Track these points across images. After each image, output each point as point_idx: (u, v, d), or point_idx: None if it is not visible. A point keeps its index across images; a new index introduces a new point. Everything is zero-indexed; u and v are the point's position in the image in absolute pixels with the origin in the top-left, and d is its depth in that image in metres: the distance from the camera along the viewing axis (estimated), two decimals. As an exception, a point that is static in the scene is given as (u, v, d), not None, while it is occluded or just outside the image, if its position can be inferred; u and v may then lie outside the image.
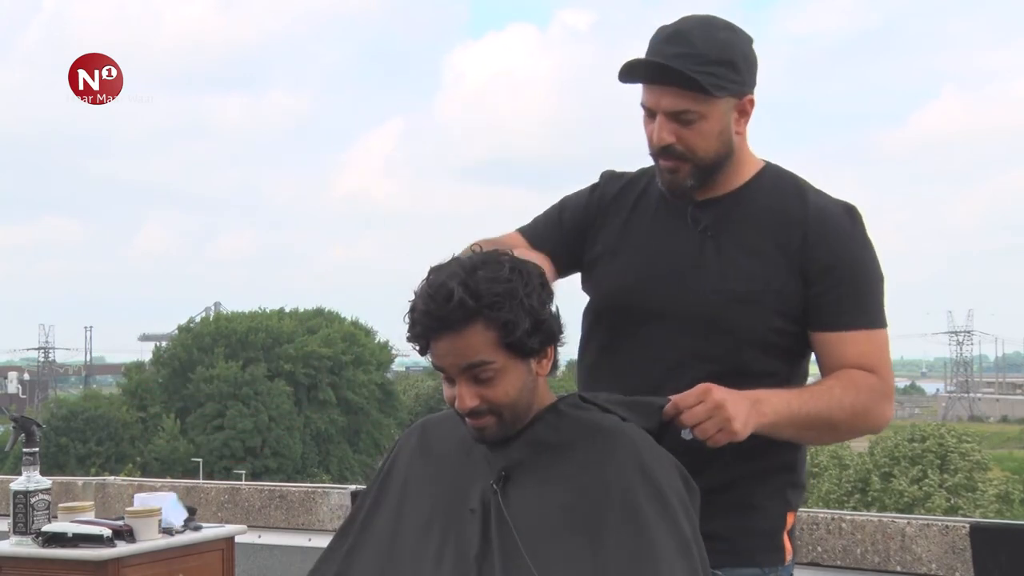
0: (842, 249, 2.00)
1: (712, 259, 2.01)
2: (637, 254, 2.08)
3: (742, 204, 2.05)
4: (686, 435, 1.86)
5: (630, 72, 1.99)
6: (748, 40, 2.04)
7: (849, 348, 1.99)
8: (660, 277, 2.04)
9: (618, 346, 2.08)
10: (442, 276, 1.78)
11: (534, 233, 2.21)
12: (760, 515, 2.01)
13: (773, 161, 2.13)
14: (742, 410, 1.85)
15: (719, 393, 1.84)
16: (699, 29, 1.98)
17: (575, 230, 2.17)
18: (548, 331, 1.83)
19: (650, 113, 2.01)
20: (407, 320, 1.81)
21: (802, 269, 1.99)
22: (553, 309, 1.86)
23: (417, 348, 1.83)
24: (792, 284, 1.99)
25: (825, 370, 2.02)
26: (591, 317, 2.14)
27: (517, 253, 1.91)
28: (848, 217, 2.03)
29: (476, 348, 1.77)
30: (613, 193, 2.16)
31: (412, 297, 1.81)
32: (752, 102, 2.03)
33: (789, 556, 2.04)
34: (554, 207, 2.23)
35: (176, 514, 3.80)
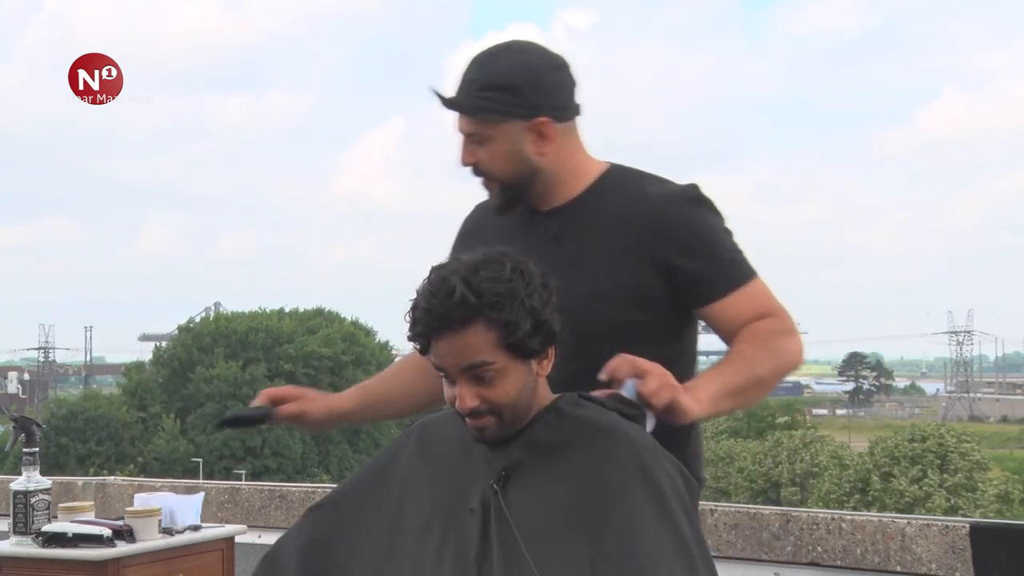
0: (692, 226, 2.09)
1: (562, 263, 2.03)
2: None
3: (585, 209, 2.13)
4: (629, 392, 1.90)
5: (442, 100, 2.12)
6: (548, 64, 2.12)
7: (735, 309, 2.09)
8: None
9: None
10: (444, 273, 1.79)
11: None
12: None
13: (621, 163, 2.21)
14: (687, 392, 1.95)
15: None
16: (491, 56, 2.12)
17: None
18: (549, 331, 1.83)
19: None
20: (408, 319, 1.81)
21: (656, 258, 2.06)
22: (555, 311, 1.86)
23: (418, 348, 1.83)
24: (644, 276, 2.07)
25: (725, 337, 2.11)
26: None
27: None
28: (688, 196, 2.12)
29: (477, 348, 1.77)
30: (476, 219, 2.30)
31: (413, 296, 1.81)
32: (545, 123, 2.09)
33: None
34: None
35: (193, 514, 3.80)
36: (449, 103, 2.10)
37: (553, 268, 2.00)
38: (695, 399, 1.94)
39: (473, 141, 2.11)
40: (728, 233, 2.14)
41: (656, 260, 2.07)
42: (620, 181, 2.16)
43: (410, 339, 1.83)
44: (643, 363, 1.91)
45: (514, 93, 2.07)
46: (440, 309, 1.76)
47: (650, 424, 1.90)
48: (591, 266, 2.08)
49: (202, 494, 3.98)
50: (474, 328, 1.76)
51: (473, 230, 2.28)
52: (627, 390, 1.90)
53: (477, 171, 2.14)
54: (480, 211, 2.30)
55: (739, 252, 2.14)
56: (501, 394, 1.79)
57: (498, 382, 1.79)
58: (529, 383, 1.82)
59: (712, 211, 2.13)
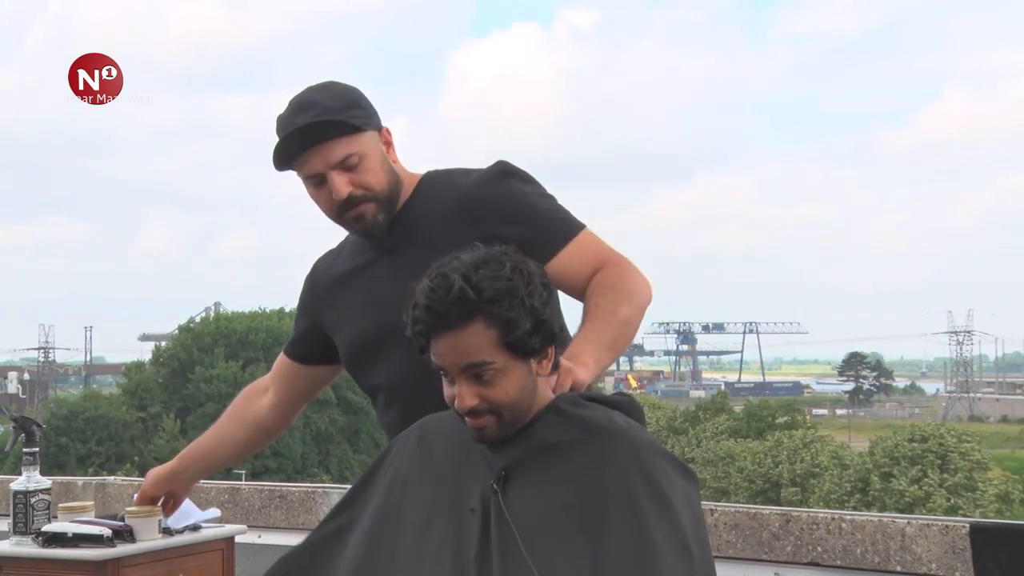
0: (506, 198, 2.16)
1: (404, 273, 2.00)
2: (353, 306, 2.27)
3: (411, 217, 2.21)
4: None
5: (286, 149, 2.17)
6: (355, 88, 2.24)
7: (569, 262, 2.15)
8: (374, 314, 2.21)
9: (381, 397, 2.28)
10: (444, 270, 1.79)
11: (291, 343, 2.49)
12: None
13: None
14: (584, 368, 1.98)
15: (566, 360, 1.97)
16: (317, 92, 2.20)
17: (309, 328, 2.41)
18: (549, 331, 1.83)
19: (319, 179, 2.17)
20: (407, 316, 1.81)
21: (485, 239, 2.01)
22: (554, 311, 1.86)
23: (418, 347, 1.83)
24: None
25: (574, 292, 2.17)
26: (362, 389, 2.35)
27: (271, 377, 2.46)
28: (498, 171, 2.20)
29: (477, 347, 1.77)
30: (323, 270, 2.38)
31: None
32: (388, 131, 2.24)
33: None
34: (296, 315, 2.49)
35: (198, 515, 3.80)
36: (326, 128, 2.13)
37: (396, 280, 2.10)
38: (583, 366, 1.96)
39: (344, 167, 2.15)
40: (546, 197, 2.22)
41: (486, 241, 2.00)
42: (436, 184, 2.25)
43: (409, 337, 1.83)
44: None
45: (360, 107, 2.19)
46: (439, 306, 1.76)
47: None
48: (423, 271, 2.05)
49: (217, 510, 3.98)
50: (474, 327, 1.76)
51: (323, 286, 2.35)
52: None
53: (352, 200, 2.16)
54: (322, 264, 2.39)
55: (561, 210, 2.22)
56: (501, 394, 1.79)
57: (498, 382, 1.79)
58: (529, 383, 1.82)
59: (524, 179, 2.21)
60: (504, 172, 2.21)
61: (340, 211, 2.18)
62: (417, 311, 1.79)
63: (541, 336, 1.81)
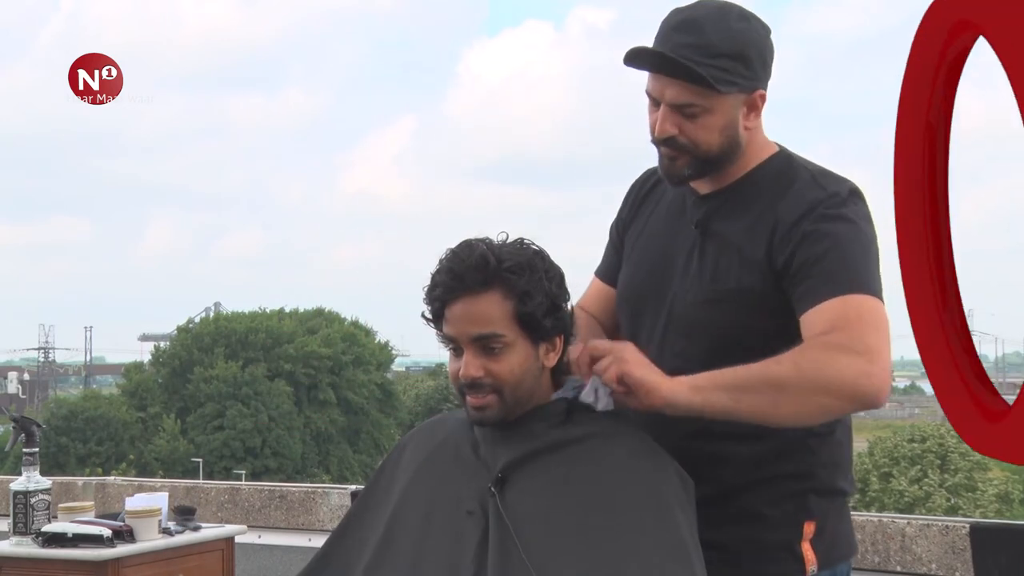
0: (815, 233, 1.88)
1: (697, 258, 1.99)
2: (645, 256, 2.09)
3: (735, 199, 1.99)
4: (586, 396, 1.85)
5: (635, 59, 1.94)
6: (765, 31, 1.96)
7: (818, 318, 1.84)
8: (655, 276, 2.04)
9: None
10: (470, 241, 1.84)
11: (605, 266, 2.22)
12: (765, 525, 1.94)
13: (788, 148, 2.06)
14: (642, 362, 1.80)
15: (629, 346, 1.83)
16: (712, 18, 1.91)
17: (623, 243, 2.17)
18: (562, 319, 1.84)
19: (654, 101, 1.96)
20: (428, 285, 1.84)
21: (775, 260, 1.91)
22: (569, 307, 1.88)
23: (432, 319, 1.85)
24: (770, 279, 1.91)
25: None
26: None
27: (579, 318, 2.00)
28: (829, 202, 1.92)
29: (490, 317, 1.79)
30: (647, 190, 2.15)
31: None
32: (763, 97, 1.97)
33: (812, 566, 1.94)
34: (611, 227, 2.23)
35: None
36: (675, 68, 1.89)
37: (686, 260, 1.99)
38: (669, 379, 1.79)
39: (682, 112, 1.92)
40: (861, 242, 1.91)
41: (777, 262, 1.91)
42: (783, 171, 1.99)
43: (427, 303, 1.85)
44: (600, 345, 1.84)
45: (744, 62, 1.91)
46: (460, 268, 1.79)
47: (603, 402, 1.85)
48: (721, 266, 1.96)
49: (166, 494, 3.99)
50: (490, 295, 1.78)
51: (641, 205, 2.14)
52: (590, 384, 1.86)
53: (671, 143, 1.94)
54: (648, 182, 2.16)
55: (865, 264, 1.89)
56: (506, 370, 1.80)
57: (505, 357, 1.80)
58: (534, 368, 1.83)
59: (851, 214, 1.92)
60: (843, 201, 1.92)
61: (656, 142, 1.97)
62: (438, 275, 1.82)
63: (553, 320, 1.82)
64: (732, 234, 1.97)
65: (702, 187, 2.03)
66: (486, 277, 1.78)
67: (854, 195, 1.95)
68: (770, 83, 2.00)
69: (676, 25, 1.92)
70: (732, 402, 1.79)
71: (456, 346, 1.82)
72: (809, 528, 1.95)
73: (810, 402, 1.80)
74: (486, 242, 1.83)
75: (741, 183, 2.00)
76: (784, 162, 2.02)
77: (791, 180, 1.97)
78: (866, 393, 1.78)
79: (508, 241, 1.85)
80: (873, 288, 1.87)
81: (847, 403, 1.80)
